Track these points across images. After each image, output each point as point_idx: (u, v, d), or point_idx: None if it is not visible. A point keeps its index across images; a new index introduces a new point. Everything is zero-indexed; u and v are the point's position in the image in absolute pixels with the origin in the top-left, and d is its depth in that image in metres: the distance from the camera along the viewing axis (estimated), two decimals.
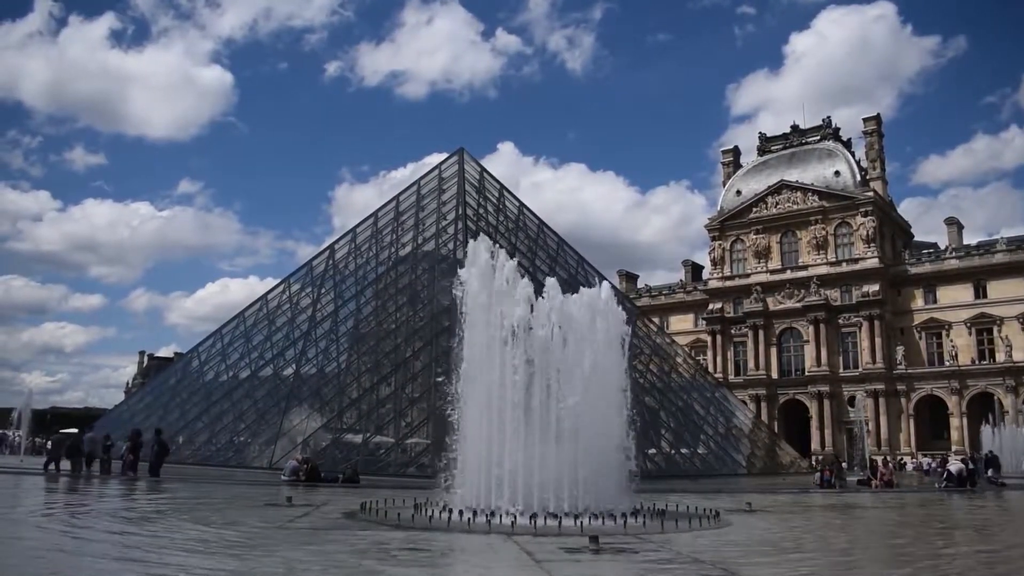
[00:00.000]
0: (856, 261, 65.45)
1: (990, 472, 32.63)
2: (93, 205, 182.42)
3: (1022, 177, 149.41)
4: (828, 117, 75.68)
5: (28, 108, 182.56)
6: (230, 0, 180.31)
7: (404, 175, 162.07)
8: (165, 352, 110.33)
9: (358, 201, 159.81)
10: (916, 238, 75.38)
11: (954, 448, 54.23)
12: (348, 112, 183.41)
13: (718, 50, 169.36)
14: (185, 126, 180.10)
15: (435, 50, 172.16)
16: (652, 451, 34.07)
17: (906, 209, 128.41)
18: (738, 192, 73.56)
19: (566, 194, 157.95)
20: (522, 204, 41.52)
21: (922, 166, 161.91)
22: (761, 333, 67.45)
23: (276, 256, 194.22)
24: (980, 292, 61.83)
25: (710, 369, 64.09)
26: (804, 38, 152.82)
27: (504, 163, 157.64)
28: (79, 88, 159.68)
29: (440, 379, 14.75)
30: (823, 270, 66.18)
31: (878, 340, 62.66)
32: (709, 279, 74.11)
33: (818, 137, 74.00)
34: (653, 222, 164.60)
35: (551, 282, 14.61)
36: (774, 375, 66.72)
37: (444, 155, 42.06)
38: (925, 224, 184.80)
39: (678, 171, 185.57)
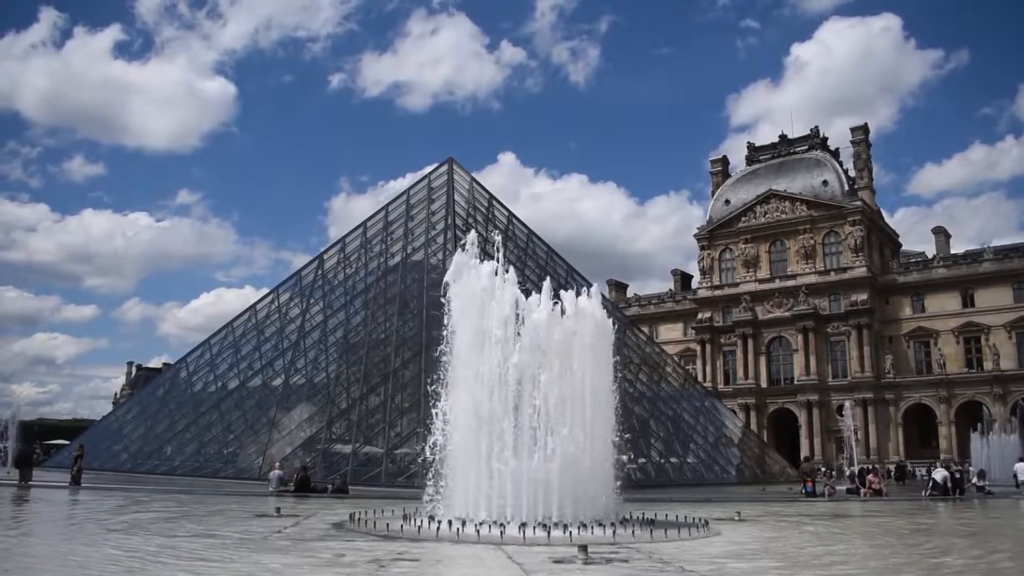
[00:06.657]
0: (844, 270, 65.73)
1: (975, 480, 32.83)
2: (91, 216, 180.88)
3: (1016, 187, 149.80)
4: (816, 127, 75.93)
5: (26, 119, 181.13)
6: (234, 11, 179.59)
7: (402, 185, 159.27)
8: (155, 363, 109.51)
9: (355, 211, 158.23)
10: (912, 247, 75.81)
11: (942, 456, 54.40)
12: (349, 123, 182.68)
13: (720, 61, 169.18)
14: (185, 137, 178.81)
15: (438, 61, 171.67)
16: (642, 460, 34.14)
17: (901, 219, 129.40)
18: (727, 202, 73.83)
19: (565, 204, 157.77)
20: (511, 214, 41.65)
21: (917, 176, 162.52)
22: (750, 342, 67.62)
23: (272, 267, 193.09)
24: (968, 301, 62.17)
25: (699, 378, 64.18)
26: (806, 49, 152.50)
27: (504, 174, 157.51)
28: (79, 99, 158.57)
29: (431, 388, 14.75)
30: (812, 279, 66.41)
31: (866, 349, 62.92)
32: (698, 288, 74.24)
33: (806, 147, 74.28)
34: (650, 232, 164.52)
35: (544, 289, 14.62)
36: (763, 384, 66.82)
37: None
38: (919, 233, 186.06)
39: (678, 182, 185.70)
